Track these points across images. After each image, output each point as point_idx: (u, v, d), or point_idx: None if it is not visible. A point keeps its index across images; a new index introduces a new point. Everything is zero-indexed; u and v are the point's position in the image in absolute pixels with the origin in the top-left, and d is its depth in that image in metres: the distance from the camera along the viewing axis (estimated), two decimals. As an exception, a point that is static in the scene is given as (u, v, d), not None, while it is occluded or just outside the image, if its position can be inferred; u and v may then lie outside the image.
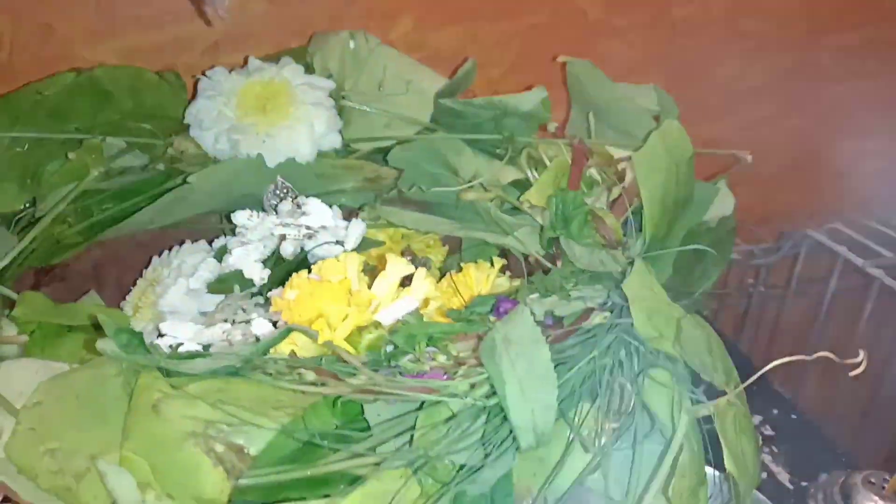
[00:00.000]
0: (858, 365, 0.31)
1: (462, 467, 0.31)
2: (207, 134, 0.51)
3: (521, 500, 0.33)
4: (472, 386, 0.32)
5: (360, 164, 0.54)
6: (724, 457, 0.31)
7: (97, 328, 0.42)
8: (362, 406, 0.34)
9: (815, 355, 0.32)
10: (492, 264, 0.47)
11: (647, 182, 0.45)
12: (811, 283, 0.76)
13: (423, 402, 0.34)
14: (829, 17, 0.85)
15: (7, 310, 0.44)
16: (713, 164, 0.56)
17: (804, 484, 0.54)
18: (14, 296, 0.43)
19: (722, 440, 0.32)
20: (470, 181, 0.52)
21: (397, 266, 0.40)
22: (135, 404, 0.30)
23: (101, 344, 0.32)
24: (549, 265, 0.49)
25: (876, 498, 0.47)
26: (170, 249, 0.51)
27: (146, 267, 0.50)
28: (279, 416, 0.30)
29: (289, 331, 0.33)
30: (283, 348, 0.34)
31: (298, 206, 0.48)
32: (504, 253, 0.50)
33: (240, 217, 0.47)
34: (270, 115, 0.51)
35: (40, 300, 0.44)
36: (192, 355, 0.32)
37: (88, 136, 0.49)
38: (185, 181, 0.49)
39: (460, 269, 0.45)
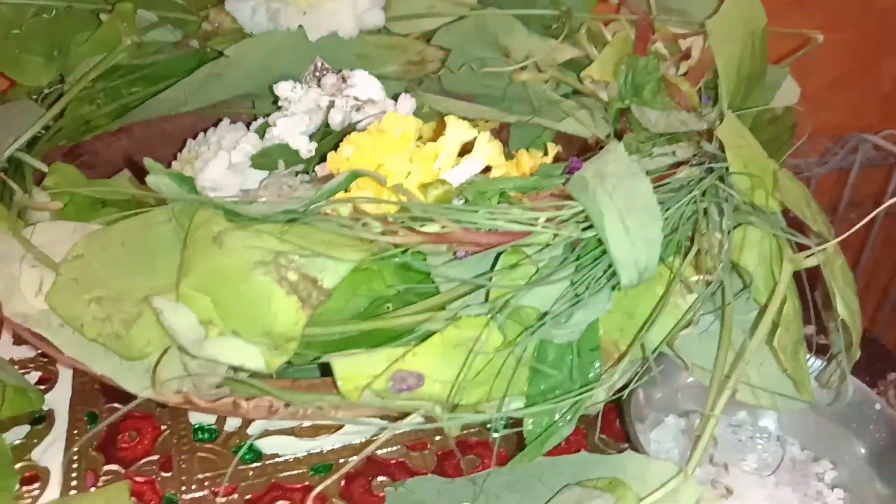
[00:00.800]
0: None
1: (546, 314, 0.28)
2: (244, 5, 0.47)
3: (607, 356, 0.30)
4: (555, 236, 0.29)
5: (404, 42, 0.50)
6: (836, 304, 0.29)
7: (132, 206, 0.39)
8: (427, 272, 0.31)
9: None
10: (545, 152, 0.44)
11: (722, 50, 0.41)
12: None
13: (495, 261, 0.31)
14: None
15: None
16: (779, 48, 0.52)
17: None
18: (44, 167, 0.40)
19: (832, 287, 0.29)
20: (523, 61, 0.49)
21: (458, 129, 0.37)
22: (192, 239, 0.28)
23: (152, 179, 0.29)
24: (611, 145, 0.46)
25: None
26: (205, 132, 0.48)
27: (179, 151, 0.47)
28: (352, 254, 0.27)
29: (354, 176, 0.30)
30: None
31: (344, 80, 0.45)
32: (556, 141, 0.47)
33: (283, 88, 0.44)
34: (311, -16, 0.47)
35: (72, 172, 0.41)
36: (251, 200, 0.30)
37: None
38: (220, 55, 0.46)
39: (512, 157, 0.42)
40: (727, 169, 0.32)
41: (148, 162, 0.30)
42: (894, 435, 0.35)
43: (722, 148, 0.33)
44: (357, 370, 0.27)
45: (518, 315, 0.28)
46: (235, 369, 0.27)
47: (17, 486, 0.35)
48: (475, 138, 0.37)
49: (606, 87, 0.44)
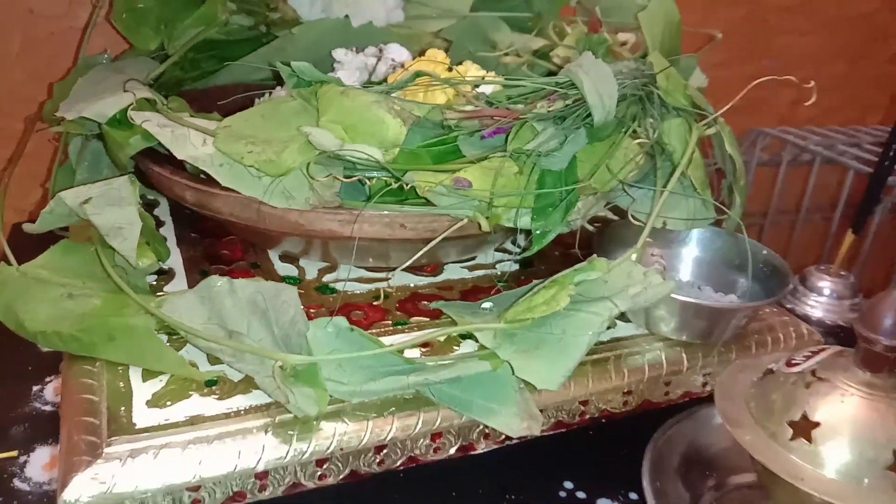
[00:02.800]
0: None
1: (545, 153, 0.44)
2: (303, 1, 0.64)
3: (583, 192, 0.46)
4: (548, 111, 0.46)
5: (418, 34, 0.68)
6: (725, 145, 0.46)
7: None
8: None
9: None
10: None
11: (649, 31, 0.59)
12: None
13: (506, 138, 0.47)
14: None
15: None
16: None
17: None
18: (155, 95, 0.55)
19: (723, 138, 0.46)
20: (506, 50, 0.67)
21: (471, 67, 0.54)
22: (323, 97, 0.43)
23: (297, 65, 0.44)
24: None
25: (825, 277, 0.62)
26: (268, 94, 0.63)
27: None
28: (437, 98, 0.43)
29: (417, 74, 0.47)
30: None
31: (381, 51, 0.62)
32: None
33: (339, 53, 0.60)
34: (353, -12, 0.65)
35: (184, 103, 0.56)
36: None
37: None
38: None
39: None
40: (655, 82, 0.49)
41: (296, 65, 0.46)
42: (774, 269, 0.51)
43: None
44: (429, 178, 0.43)
45: (526, 154, 0.44)
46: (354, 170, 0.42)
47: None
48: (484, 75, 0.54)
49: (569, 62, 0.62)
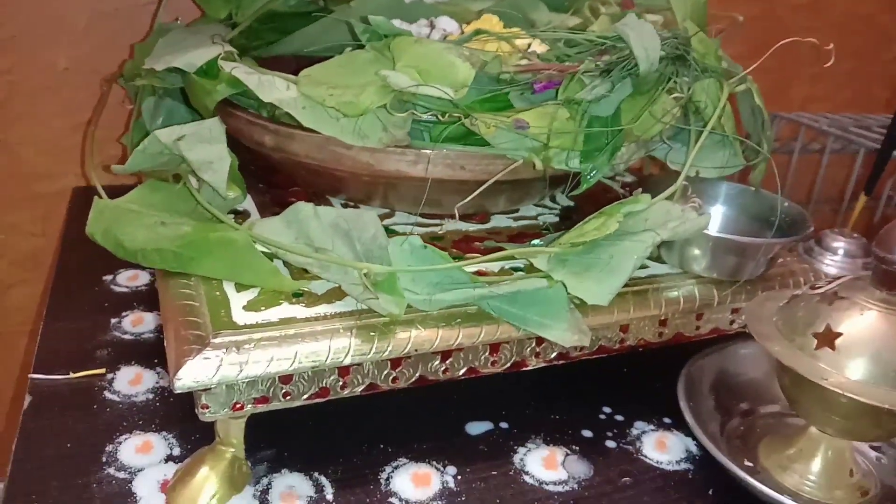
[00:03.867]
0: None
1: (594, 100, 0.49)
2: (359, -22, 0.70)
3: (626, 138, 0.51)
4: (596, 65, 0.51)
5: (463, 10, 0.73)
6: (755, 98, 0.51)
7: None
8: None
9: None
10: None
11: (679, 7, 0.65)
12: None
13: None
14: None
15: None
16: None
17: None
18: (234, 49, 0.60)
19: (752, 91, 0.52)
20: (544, 27, 0.72)
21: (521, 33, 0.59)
22: (398, 46, 0.48)
23: (374, 19, 0.50)
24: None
25: (840, 238, 0.67)
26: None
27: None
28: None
29: (478, 32, 0.52)
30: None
31: (431, 23, 0.67)
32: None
33: (394, 22, 0.65)
34: (404, -32, 0.70)
35: (253, 62, 0.61)
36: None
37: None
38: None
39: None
40: (689, 45, 0.55)
41: (373, 18, 0.51)
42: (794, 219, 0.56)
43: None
44: (492, 121, 0.48)
45: (577, 102, 0.49)
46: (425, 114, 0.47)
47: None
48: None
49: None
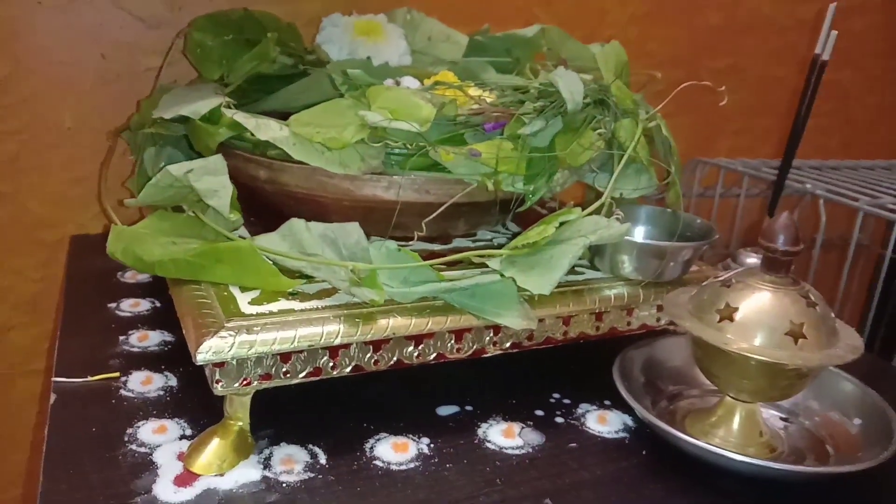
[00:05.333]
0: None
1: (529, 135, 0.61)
2: (334, 46, 0.82)
3: (560, 165, 0.62)
4: (534, 108, 0.63)
5: (423, 72, 0.85)
6: (663, 131, 0.63)
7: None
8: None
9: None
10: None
11: (604, 65, 0.78)
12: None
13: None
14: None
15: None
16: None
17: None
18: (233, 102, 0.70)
19: (661, 128, 0.64)
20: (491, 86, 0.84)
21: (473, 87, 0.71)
22: (374, 90, 0.59)
23: (351, 71, 0.61)
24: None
25: (752, 254, 0.79)
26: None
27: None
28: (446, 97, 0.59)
29: (435, 83, 0.64)
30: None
31: (397, 82, 0.79)
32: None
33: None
34: (373, 36, 0.82)
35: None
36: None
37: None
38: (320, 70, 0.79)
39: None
40: (609, 92, 0.67)
41: (351, 72, 0.62)
42: (704, 233, 0.67)
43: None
44: (451, 150, 0.58)
45: (519, 138, 0.61)
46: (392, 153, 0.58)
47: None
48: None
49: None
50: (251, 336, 0.49)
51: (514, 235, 0.74)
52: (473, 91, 0.67)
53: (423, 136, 0.57)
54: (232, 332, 0.49)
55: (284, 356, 0.50)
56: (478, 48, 0.88)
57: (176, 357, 0.64)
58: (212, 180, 0.59)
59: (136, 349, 0.65)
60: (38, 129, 0.88)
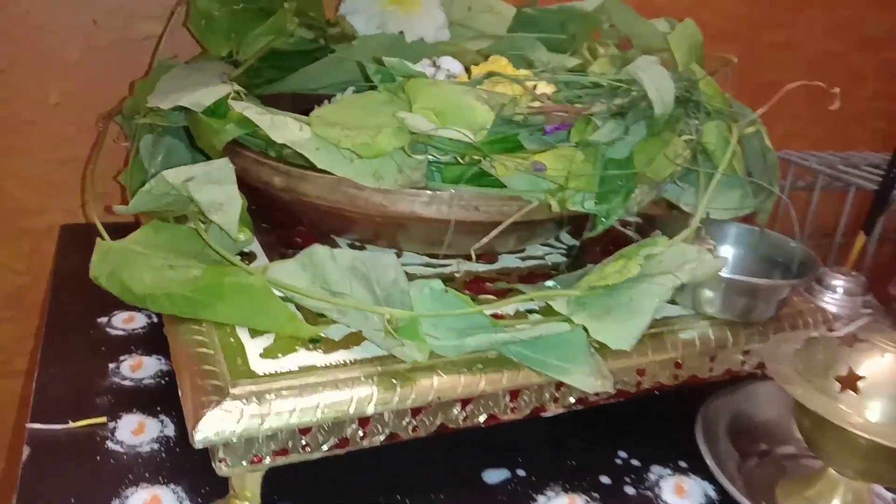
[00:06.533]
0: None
1: (608, 142, 0.50)
2: (360, 17, 0.70)
3: (640, 181, 0.51)
4: (609, 107, 0.51)
5: (462, 50, 0.73)
6: (765, 142, 0.52)
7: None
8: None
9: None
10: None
11: (678, 50, 0.66)
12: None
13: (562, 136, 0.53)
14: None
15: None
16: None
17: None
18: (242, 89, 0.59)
19: (763, 135, 0.52)
20: (542, 68, 0.73)
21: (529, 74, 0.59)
22: (413, 88, 0.48)
23: (389, 61, 0.49)
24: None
25: (839, 276, 0.68)
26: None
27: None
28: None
29: (490, 74, 0.52)
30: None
31: (434, 62, 0.67)
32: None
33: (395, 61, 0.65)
34: (405, 6, 0.70)
35: (258, 101, 0.60)
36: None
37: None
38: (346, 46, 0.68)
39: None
40: (697, 87, 0.55)
41: (387, 60, 0.51)
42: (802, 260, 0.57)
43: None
44: (506, 164, 0.47)
45: (591, 148, 0.49)
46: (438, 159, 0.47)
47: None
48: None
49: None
50: (263, 407, 0.39)
51: (570, 250, 0.63)
52: (529, 83, 0.56)
53: (477, 146, 0.46)
54: (240, 402, 0.38)
55: (304, 427, 0.41)
56: (526, 22, 0.76)
57: (173, 393, 0.54)
58: (216, 191, 0.49)
59: (127, 382, 0.55)
60: (18, 105, 0.77)
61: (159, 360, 0.58)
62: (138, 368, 0.57)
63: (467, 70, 0.65)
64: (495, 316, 0.49)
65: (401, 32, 0.69)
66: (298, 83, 0.69)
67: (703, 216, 0.54)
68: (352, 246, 0.58)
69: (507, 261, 0.59)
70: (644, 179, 0.52)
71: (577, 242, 0.65)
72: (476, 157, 0.46)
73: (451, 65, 0.66)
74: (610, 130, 0.49)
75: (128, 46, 0.78)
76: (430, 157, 0.49)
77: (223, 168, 0.50)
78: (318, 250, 0.46)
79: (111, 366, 0.57)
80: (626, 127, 0.50)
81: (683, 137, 0.53)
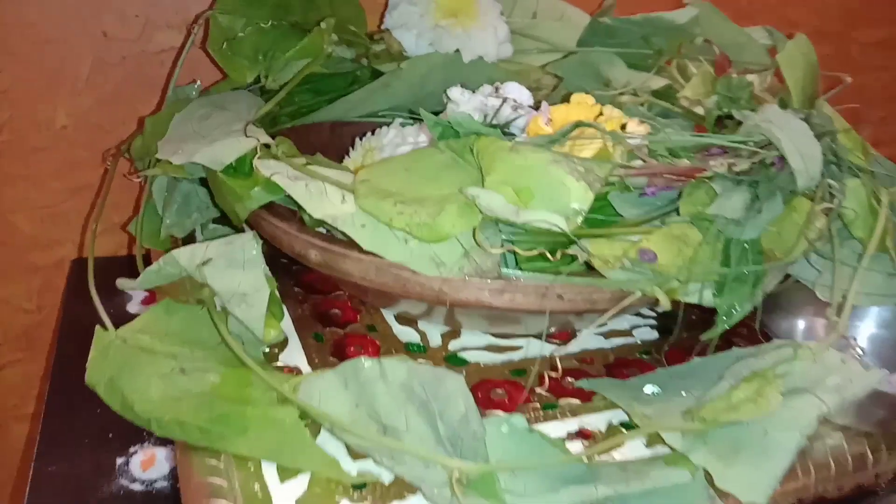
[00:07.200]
0: None
1: (732, 219, 0.39)
2: (409, 33, 0.59)
3: (767, 259, 0.41)
4: (730, 166, 0.40)
5: (527, 69, 0.63)
6: None
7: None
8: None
9: None
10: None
11: (791, 75, 0.54)
12: None
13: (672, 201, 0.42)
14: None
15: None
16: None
17: None
18: (270, 139, 0.49)
19: None
20: (620, 89, 0.62)
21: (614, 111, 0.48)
22: (486, 153, 0.38)
23: (453, 117, 0.39)
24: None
25: None
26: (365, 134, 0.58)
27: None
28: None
29: (575, 125, 0.41)
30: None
31: (497, 89, 0.56)
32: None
33: (454, 92, 0.54)
34: (462, 19, 0.60)
35: (291, 144, 0.50)
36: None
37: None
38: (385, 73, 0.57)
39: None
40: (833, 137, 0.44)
41: (452, 116, 0.40)
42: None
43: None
44: (603, 249, 0.37)
45: (709, 223, 0.39)
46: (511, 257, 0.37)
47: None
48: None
49: (702, 102, 0.57)
50: None
51: (662, 319, 0.53)
52: (633, 125, 0.45)
53: (570, 237, 0.36)
54: None
55: None
56: (601, 33, 0.65)
57: None
58: (239, 278, 0.39)
59: (136, 486, 0.47)
60: (23, 129, 0.68)
61: (174, 451, 0.49)
62: (150, 466, 0.48)
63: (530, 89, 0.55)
64: (582, 433, 0.40)
65: (457, 50, 0.58)
66: (338, 112, 0.59)
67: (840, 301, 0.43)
68: (400, 319, 0.49)
69: (587, 340, 0.49)
70: (773, 259, 0.41)
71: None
72: (569, 254, 0.36)
73: (516, 92, 0.55)
74: (737, 205, 0.39)
75: (143, 60, 0.69)
76: (512, 251, 0.38)
77: (248, 247, 0.40)
78: (364, 366, 0.36)
79: (119, 461, 0.49)
80: (756, 197, 0.39)
81: (822, 206, 0.42)
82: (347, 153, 0.58)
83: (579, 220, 0.35)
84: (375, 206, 0.38)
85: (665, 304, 0.38)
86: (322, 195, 0.39)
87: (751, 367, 0.39)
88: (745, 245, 0.39)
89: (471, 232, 0.37)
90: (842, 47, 1.02)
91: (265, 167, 0.41)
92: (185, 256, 0.40)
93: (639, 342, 0.50)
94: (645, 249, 0.37)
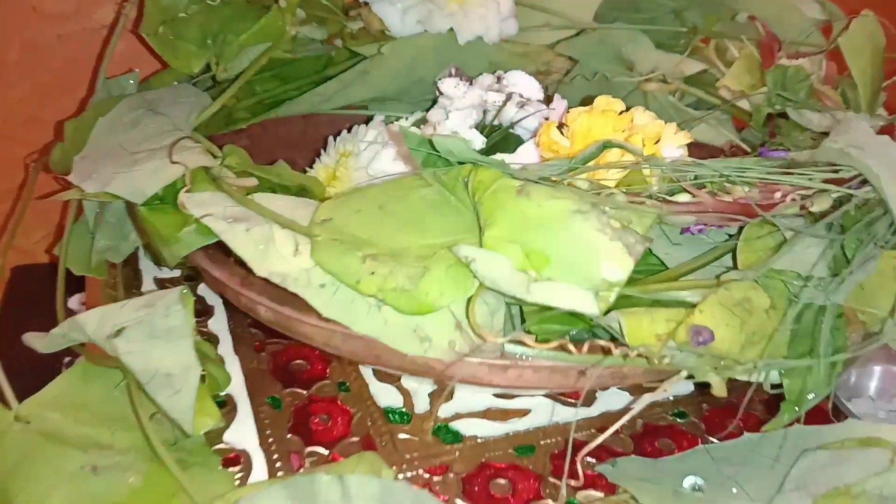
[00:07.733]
0: None
1: (809, 277, 0.29)
2: (393, 8, 0.49)
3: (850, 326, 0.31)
4: (802, 206, 0.31)
5: (535, 51, 0.52)
6: None
7: (298, 192, 0.39)
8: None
9: None
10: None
11: (856, 62, 0.45)
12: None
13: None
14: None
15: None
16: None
17: None
18: (216, 149, 0.40)
19: None
20: (647, 74, 0.51)
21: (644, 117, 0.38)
22: (485, 193, 0.28)
23: (440, 142, 0.29)
24: (748, 150, 0.48)
25: None
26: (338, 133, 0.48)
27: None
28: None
29: (604, 147, 0.32)
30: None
31: (499, 80, 0.46)
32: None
33: (447, 84, 0.44)
34: (457, -9, 0.49)
35: (244, 155, 0.41)
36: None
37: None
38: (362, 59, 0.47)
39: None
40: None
41: (439, 142, 0.30)
42: None
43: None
44: (641, 326, 0.28)
45: (779, 282, 0.30)
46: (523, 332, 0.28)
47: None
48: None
49: (748, 94, 0.47)
50: None
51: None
52: (670, 133, 0.35)
53: (603, 325, 0.26)
54: None
55: None
56: (623, 6, 0.54)
57: None
58: (161, 352, 0.30)
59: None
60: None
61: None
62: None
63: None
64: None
65: (450, 29, 0.48)
66: (308, 105, 0.49)
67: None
68: (378, 375, 0.40)
69: (609, 401, 0.40)
70: (853, 323, 0.32)
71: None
72: (605, 347, 0.27)
73: (524, 85, 0.45)
74: (813, 258, 0.29)
75: (83, 38, 0.58)
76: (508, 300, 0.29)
77: (173, 311, 0.31)
78: (321, 482, 0.27)
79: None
80: (840, 247, 0.29)
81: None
82: (325, 147, 0.48)
83: (613, 297, 0.26)
84: (338, 263, 0.29)
85: (720, 392, 0.29)
86: (268, 243, 0.30)
87: (822, 464, 0.30)
88: (822, 307, 0.30)
89: (464, 302, 0.27)
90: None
91: (195, 205, 0.31)
92: (92, 324, 0.31)
93: (670, 398, 0.41)
94: (698, 327, 0.27)
